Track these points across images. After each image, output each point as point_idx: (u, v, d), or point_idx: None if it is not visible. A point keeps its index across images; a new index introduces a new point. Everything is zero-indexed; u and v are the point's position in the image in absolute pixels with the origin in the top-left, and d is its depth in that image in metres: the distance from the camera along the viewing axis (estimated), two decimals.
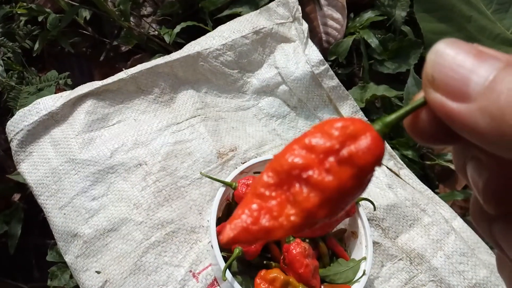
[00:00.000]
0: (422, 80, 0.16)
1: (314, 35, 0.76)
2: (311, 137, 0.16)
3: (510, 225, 0.16)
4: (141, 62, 0.69)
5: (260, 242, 0.18)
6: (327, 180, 0.15)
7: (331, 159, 0.15)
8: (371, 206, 0.49)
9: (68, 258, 0.50)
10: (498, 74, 0.13)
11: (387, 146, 0.62)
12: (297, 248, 0.42)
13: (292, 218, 0.16)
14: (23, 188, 0.63)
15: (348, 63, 0.77)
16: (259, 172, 0.49)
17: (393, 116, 0.16)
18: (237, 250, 0.41)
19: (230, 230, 0.16)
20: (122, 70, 0.58)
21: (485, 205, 0.17)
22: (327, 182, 0.15)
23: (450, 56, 0.14)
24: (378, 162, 0.16)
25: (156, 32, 0.73)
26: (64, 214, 0.51)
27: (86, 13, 0.71)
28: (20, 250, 0.59)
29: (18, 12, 0.69)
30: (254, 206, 0.16)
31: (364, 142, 0.15)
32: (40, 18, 0.69)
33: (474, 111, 0.13)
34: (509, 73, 0.13)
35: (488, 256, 0.54)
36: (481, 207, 0.18)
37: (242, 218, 0.16)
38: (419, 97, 0.16)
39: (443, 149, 0.75)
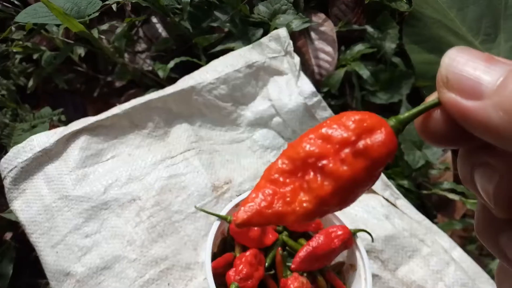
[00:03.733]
0: (436, 82, 0.17)
1: (306, 68, 0.77)
2: (328, 128, 0.17)
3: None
4: (135, 98, 0.69)
5: (270, 225, 0.18)
6: (342, 170, 0.16)
7: (347, 150, 0.16)
8: (369, 237, 0.48)
9: None
10: (509, 74, 0.15)
11: (383, 176, 0.62)
12: (295, 283, 0.41)
13: (305, 204, 0.16)
14: (15, 226, 0.62)
15: (340, 94, 0.78)
16: None
17: (406, 114, 0.17)
18: (233, 286, 0.40)
19: (244, 213, 0.16)
20: (116, 106, 0.58)
21: (496, 209, 0.17)
22: (342, 172, 0.16)
23: (463, 59, 0.16)
24: (391, 156, 0.16)
25: (150, 68, 0.74)
26: (57, 252, 0.50)
27: (81, 50, 0.72)
28: None
29: (14, 50, 0.70)
30: (268, 190, 0.17)
31: (379, 136, 0.16)
32: (35, 56, 0.70)
33: (487, 107, 0.15)
34: None
35: (489, 286, 0.53)
36: (487, 218, 0.18)
37: (256, 202, 0.16)
38: (431, 99, 0.17)
39: (439, 178, 0.75)
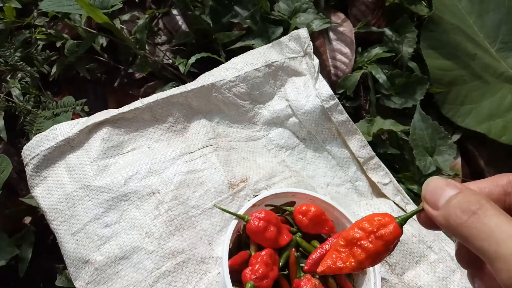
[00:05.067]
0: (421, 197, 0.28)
1: (323, 68, 0.78)
2: (364, 223, 0.31)
3: (475, 278, 0.30)
4: (154, 89, 0.71)
5: (336, 273, 0.32)
6: (369, 247, 0.30)
7: (372, 236, 0.30)
8: None
9: (78, 285, 0.51)
10: (452, 196, 0.25)
11: (394, 181, 0.63)
12: (307, 284, 0.43)
13: (352, 264, 0.31)
14: (34, 211, 0.64)
15: (355, 96, 0.79)
16: (270, 205, 0.50)
17: (405, 215, 0.30)
18: (249, 285, 0.41)
19: (322, 266, 0.32)
20: (136, 97, 0.60)
21: (459, 263, 0.31)
22: (369, 248, 0.30)
23: (434, 186, 0.27)
24: (397, 238, 0.30)
25: (170, 61, 0.75)
26: (77, 240, 0.52)
27: (102, 40, 0.73)
28: (29, 273, 0.59)
29: (37, 37, 0.71)
30: (334, 255, 0.32)
31: (390, 228, 0.29)
32: (58, 44, 0.71)
33: (439, 215, 0.26)
34: (457, 196, 0.25)
35: None
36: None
37: (328, 261, 0.32)
38: (421, 205, 0.28)
39: None
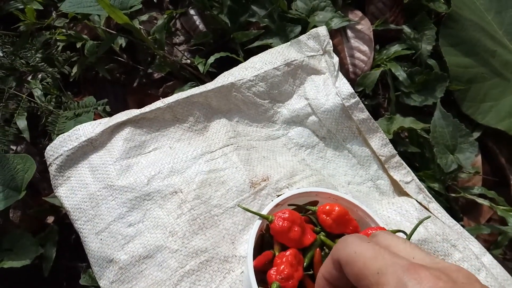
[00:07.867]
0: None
1: (341, 66, 0.77)
2: None
3: None
4: (173, 89, 0.71)
5: None
6: None
7: None
8: None
9: (102, 284, 0.51)
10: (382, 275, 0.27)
11: (416, 179, 0.63)
12: None
13: None
14: (57, 210, 0.64)
15: (373, 94, 0.78)
16: (293, 205, 0.50)
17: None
18: (274, 286, 0.41)
19: None
20: (155, 97, 0.60)
21: None
22: None
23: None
24: None
25: (189, 61, 0.75)
26: (101, 239, 0.52)
27: (122, 41, 0.74)
28: (52, 272, 0.60)
29: (57, 38, 0.72)
30: None
31: None
32: (78, 45, 0.72)
33: None
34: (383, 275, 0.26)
35: None
36: None
37: None
38: None
39: (467, 182, 0.75)
